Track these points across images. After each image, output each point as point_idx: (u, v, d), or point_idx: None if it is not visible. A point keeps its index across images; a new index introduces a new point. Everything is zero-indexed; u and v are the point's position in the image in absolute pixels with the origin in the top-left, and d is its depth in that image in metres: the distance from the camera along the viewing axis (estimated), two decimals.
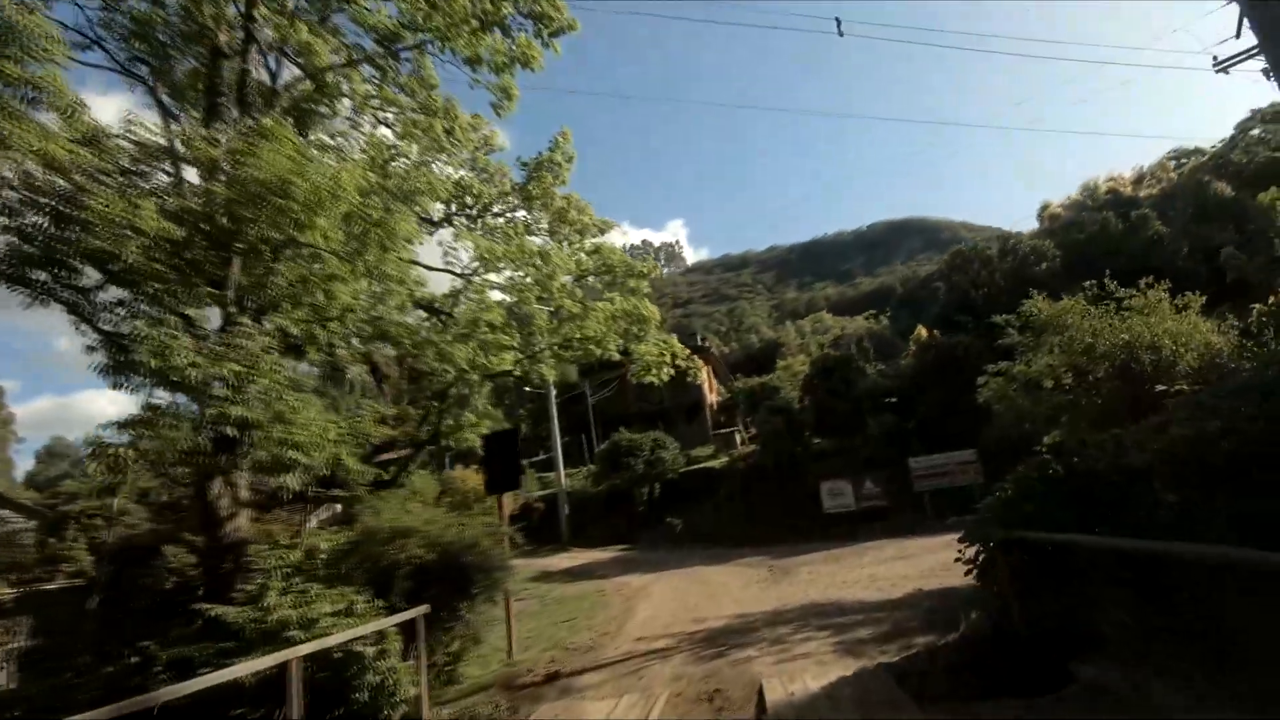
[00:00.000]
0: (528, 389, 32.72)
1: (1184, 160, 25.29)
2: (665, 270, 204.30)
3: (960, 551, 5.57)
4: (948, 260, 23.44)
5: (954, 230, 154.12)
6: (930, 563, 11.71)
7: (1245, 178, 22.99)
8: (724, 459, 26.37)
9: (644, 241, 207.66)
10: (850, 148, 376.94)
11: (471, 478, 20.56)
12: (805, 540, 17.95)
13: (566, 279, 9.33)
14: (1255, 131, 23.61)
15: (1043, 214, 25.38)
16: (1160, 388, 7.08)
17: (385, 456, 10.22)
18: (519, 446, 8.81)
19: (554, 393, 28.16)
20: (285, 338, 6.54)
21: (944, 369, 19.50)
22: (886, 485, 19.56)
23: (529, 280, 8.78)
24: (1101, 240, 19.90)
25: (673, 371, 10.95)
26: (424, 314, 9.44)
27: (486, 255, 8.58)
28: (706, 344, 43.25)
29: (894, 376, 23.68)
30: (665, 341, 10.82)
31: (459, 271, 9.32)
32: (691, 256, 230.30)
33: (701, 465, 26.72)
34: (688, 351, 11.47)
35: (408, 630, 5.79)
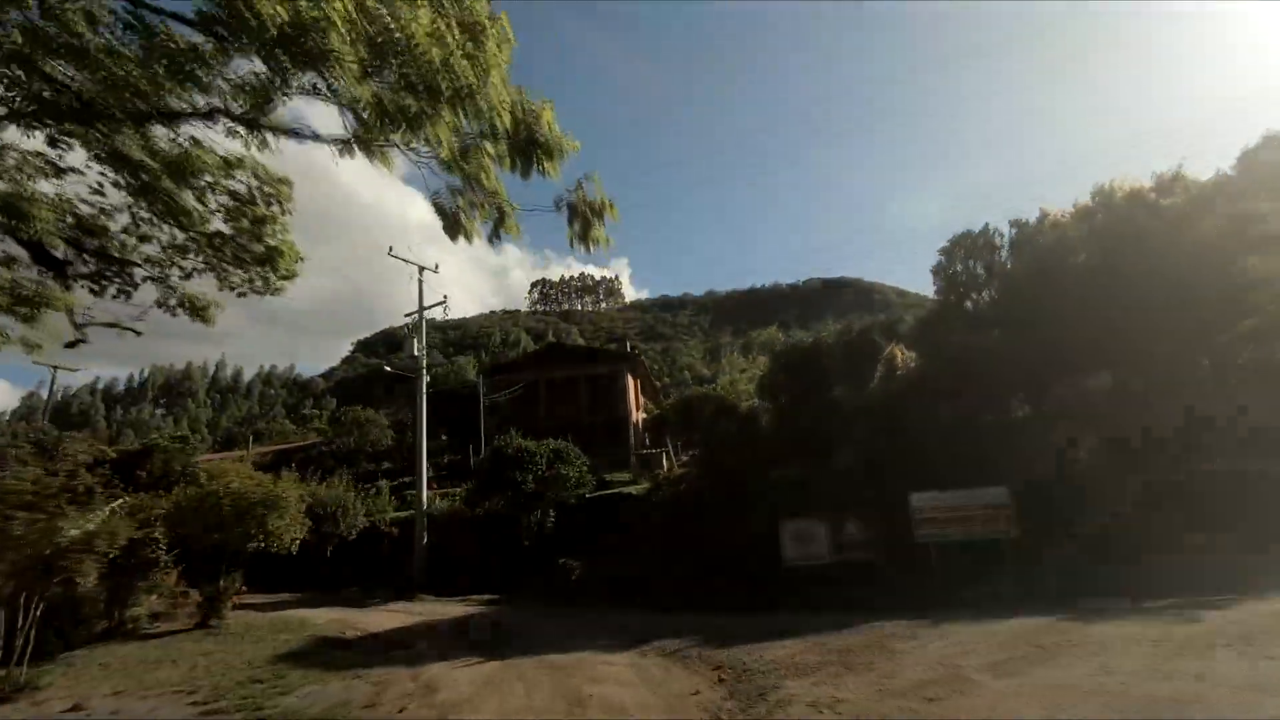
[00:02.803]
0: (389, 370, 25.05)
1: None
2: (604, 305, 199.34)
3: None
4: (946, 250, 18.36)
5: (885, 294, 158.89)
6: (1051, 685, 5.52)
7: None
8: (646, 484, 19.71)
9: (583, 274, 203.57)
10: (791, 202, 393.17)
11: (233, 469, 12.81)
12: (762, 607, 11.50)
13: None
14: (1266, 157, 20.74)
15: (1043, 222, 21.09)
16: None
17: None
18: None
19: (425, 377, 20.71)
20: None
21: (959, 378, 14.02)
22: (871, 531, 13.57)
23: None
24: (1139, 240, 15.43)
25: (513, 130, 4.31)
26: None
27: None
28: (636, 352, 37.08)
29: (875, 393, 18.09)
30: (520, 93, 4.22)
31: None
32: (631, 295, 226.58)
33: (615, 491, 19.90)
34: (559, 134, 4.77)
35: None
